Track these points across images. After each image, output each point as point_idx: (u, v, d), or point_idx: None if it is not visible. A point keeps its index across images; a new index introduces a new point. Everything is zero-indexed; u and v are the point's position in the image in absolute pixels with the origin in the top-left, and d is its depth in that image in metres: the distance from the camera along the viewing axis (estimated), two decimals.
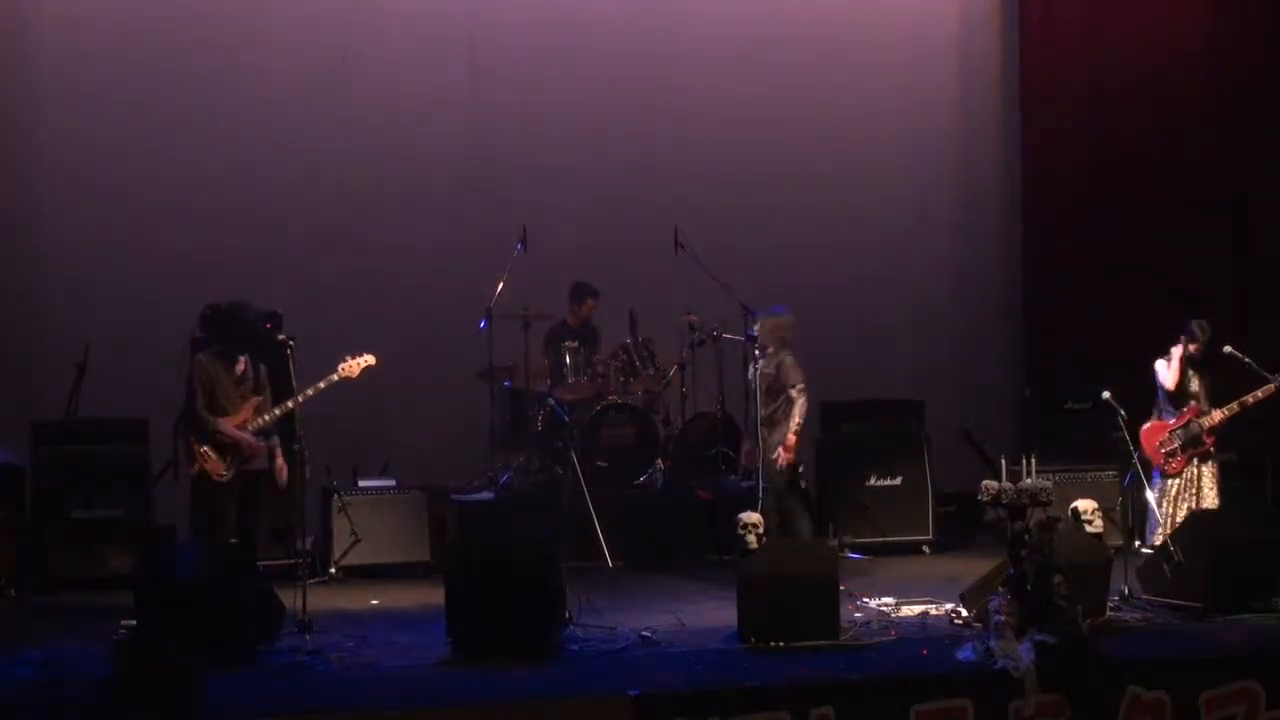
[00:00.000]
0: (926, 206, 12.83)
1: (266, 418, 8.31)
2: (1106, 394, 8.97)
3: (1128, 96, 12.60)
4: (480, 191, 11.79)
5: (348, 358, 8.45)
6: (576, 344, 10.76)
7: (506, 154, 11.87)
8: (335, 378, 8.37)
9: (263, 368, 8.42)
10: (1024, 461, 7.30)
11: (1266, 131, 12.33)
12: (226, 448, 8.20)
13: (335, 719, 6.25)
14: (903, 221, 12.72)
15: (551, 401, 10.47)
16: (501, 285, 10.38)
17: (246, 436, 8.22)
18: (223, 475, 8.20)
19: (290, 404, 8.24)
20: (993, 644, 6.71)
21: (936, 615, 7.91)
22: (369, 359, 8.46)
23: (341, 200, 11.64)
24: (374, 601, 8.96)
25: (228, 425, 8.19)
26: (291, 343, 8.20)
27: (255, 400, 8.32)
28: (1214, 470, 9.48)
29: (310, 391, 8.26)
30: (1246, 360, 9.37)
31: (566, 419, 10.30)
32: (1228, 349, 9.39)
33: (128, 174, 11.28)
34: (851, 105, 12.60)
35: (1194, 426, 9.43)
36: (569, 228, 11.59)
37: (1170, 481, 9.47)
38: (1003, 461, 7.44)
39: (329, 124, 11.64)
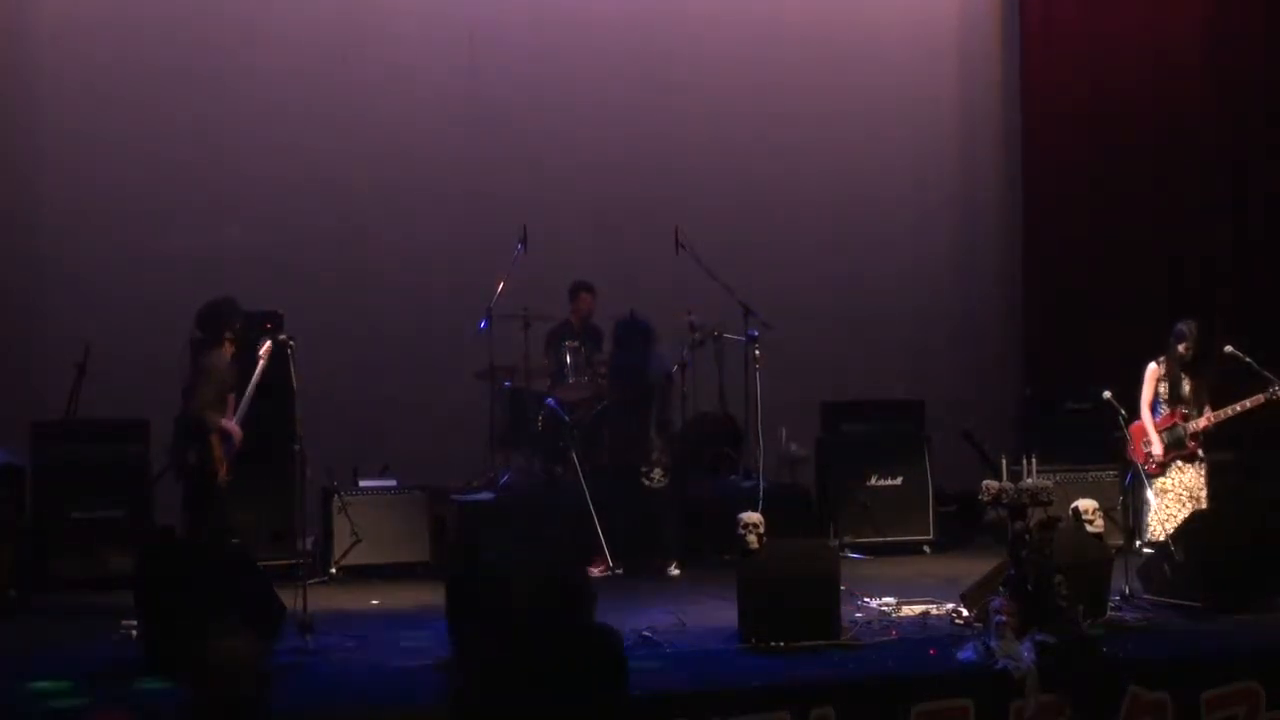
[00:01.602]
0: (926, 206, 12.84)
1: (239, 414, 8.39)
2: (1107, 394, 8.97)
3: (1128, 96, 12.60)
4: (480, 191, 11.80)
5: (260, 345, 8.41)
6: (577, 344, 10.75)
7: (506, 154, 11.87)
8: (262, 364, 8.36)
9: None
10: (1024, 461, 7.29)
11: (1266, 131, 12.33)
12: (231, 449, 8.24)
13: (335, 719, 6.25)
14: (903, 221, 12.73)
15: (552, 402, 10.46)
16: (501, 285, 10.38)
17: (234, 429, 8.27)
18: (227, 478, 8.25)
19: (248, 395, 8.30)
20: (993, 644, 6.70)
21: (937, 615, 7.90)
22: (267, 342, 8.40)
23: (341, 200, 11.64)
24: (374, 601, 8.95)
25: (230, 424, 8.25)
26: (292, 343, 8.21)
27: (232, 397, 8.38)
28: (1201, 472, 9.45)
29: (255, 382, 8.27)
30: (1247, 360, 9.35)
31: (567, 419, 10.30)
32: (1229, 349, 9.38)
33: (128, 174, 11.28)
34: (851, 105, 12.61)
35: (1178, 429, 9.42)
36: (569, 227, 11.60)
37: (1157, 481, 9.44)
38: (1003, 461, 7.43)
39: (329, 124, 11.65)
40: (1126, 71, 12.65)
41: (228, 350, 8.40)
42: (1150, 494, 9.36)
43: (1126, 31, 12.68)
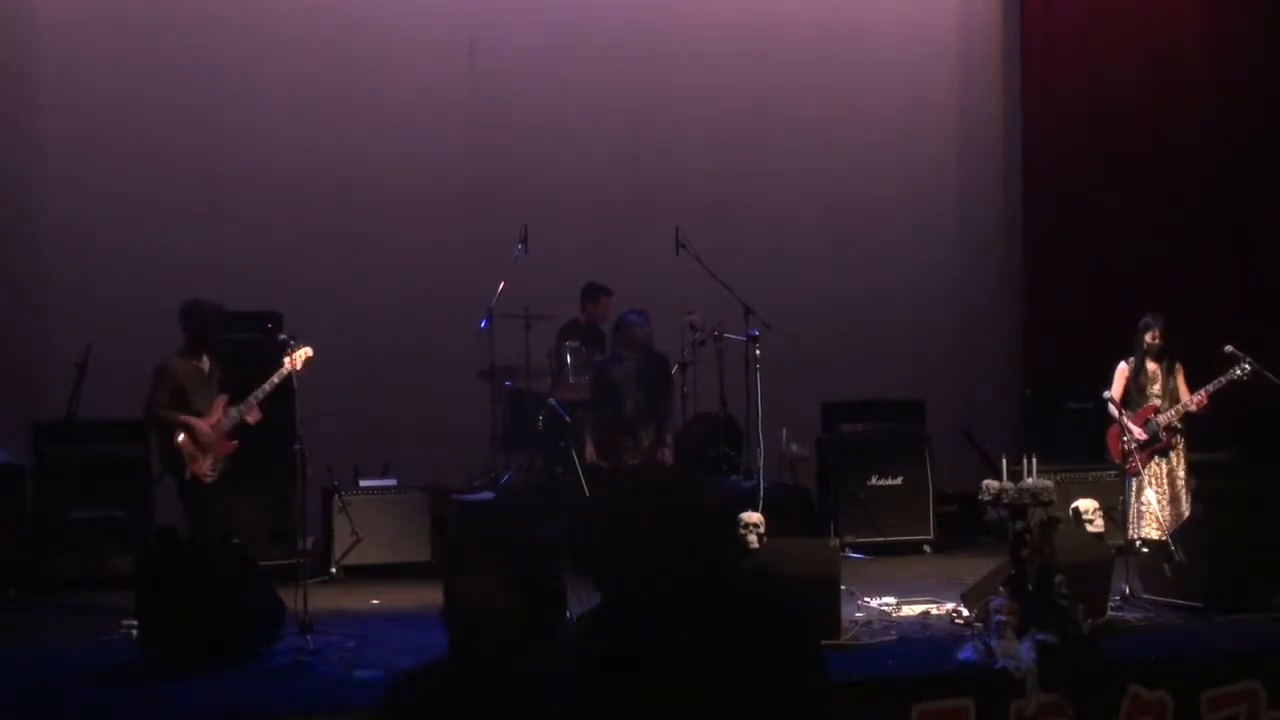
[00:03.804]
0: (927, 207, 12.84)
1: (234, 415, 8.32)
2: (1107, 394, 8.97)
3: (1128, 97, 12.60)
4: (481, 191, 11.80)
5: (291, 351, 8.32)
6: (578, 344, 10.75)
7: (507, 154, 11.88)
8: (285, 371, 8.26)
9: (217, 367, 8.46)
10: (1025, 461, 7.28)
11: (1266, 131, 12.32)
12: (206, 447, 8.21)
13: (335, 719, 6.25)
14: (903, 221, 12.73)
15: (553, 402, 10.46)
16: (502, 285, 10.38)
17: (204, 426, 8.22)
18: (209, 475, 8.21)
19: (252, 400, 8.26)
20: (994, 644, 6.70)
21: (938, 615, 7.91)
22: (307, 350, 8.35)
23: (342, 200, 11.64)
24: (374, 601, 8.96)
25: (196, 421, 8.20)
26: (292, 343, 8.21)
27: (223, 399, 8.34)
28: (1175, 466, 9.43)
29: (267, 387, 8.24)
30: (1247, 360, 9.34)
31: (568, 419, 10.30)
32: (1229, 349, 9.37)
33: (127, 174, 11.27)
34: (852, 105, 12.62)
35: (1152, 424, 9.41)
36: (570, 228, 11.60)
37: (1137, 480, 9.41)
38: (1003, 461, 7.43)
39: (330, 124, 11.65)
40: (1127, 72, 12.65)
41: (186, 354, 8.36)
42: (1147, 492, 9.34)
43: (1127, 31, 12.67)
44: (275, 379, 8.25)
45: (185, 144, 11.35)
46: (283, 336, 8.35)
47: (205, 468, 8.22)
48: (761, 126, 12.38)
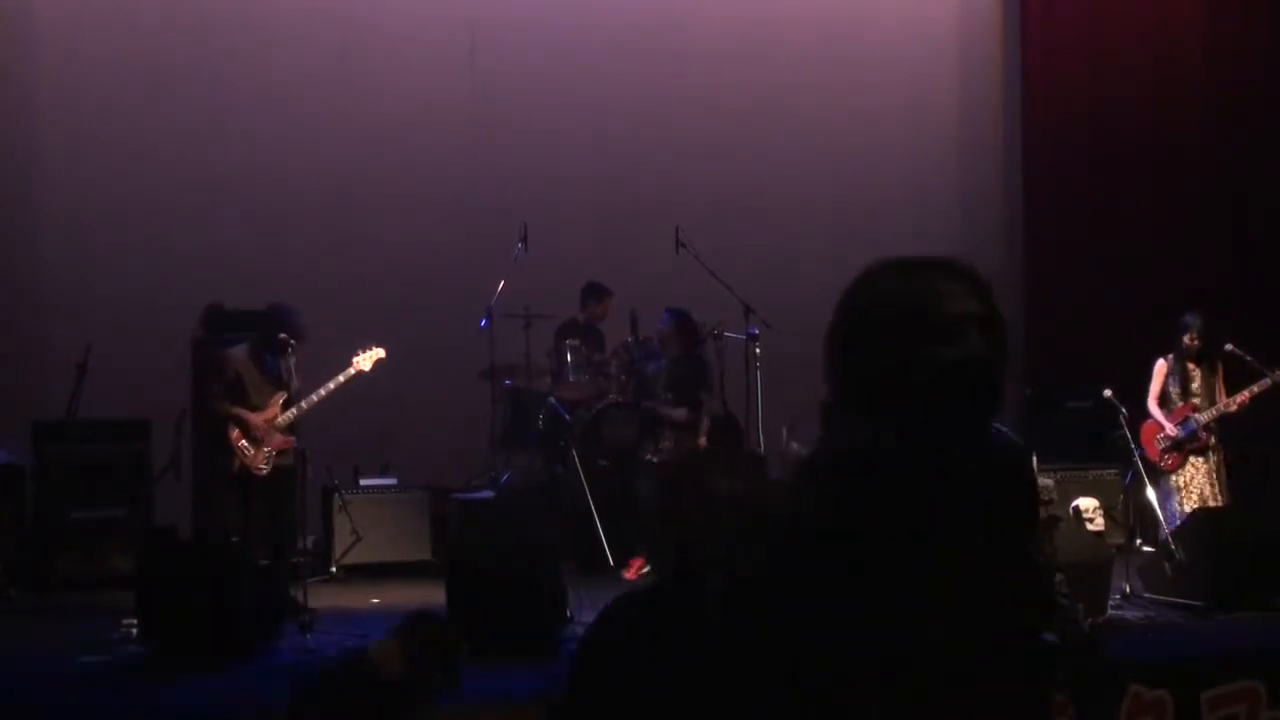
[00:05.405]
0: (927, 206, 12.82)
1: (293, 412, 8.36)
2: (1107, 393, 8.97)
3: (1128, 96, 12.59)
4: (481, 190, 11.79)
5: (360, 351, 8.49)
6: (578, 343, 10.74)
7: (507, 154, 11.87)
8: (352, 371, 8.42)
9: (293, 364, 8.47)
10: None
11: (1266, 131, 12.33)
12: (260, 440, 8.25)
13: None
14: (903, 221, 12.69)
15: (553, 401, 10.46)
16: (502, 284, 10.37)
17: (257, 421, 8.26)
18: (261, 469, 8.27)
19: (314, 398, 8.31)
20: None
21: None
22: (379, 352, 8.53)
23: (342, 199, 11.64)
24: (375, 600, 8.95)
25: (248, 414, 8.24)
26: (293, 342, 8.24)
27: (282, 395, 8.38)
28: (1214, 466, 9.46)
29: (331, 386, 8.31)
30: (1249, 359, 9.36)
31: (568, 418, 10.29)
32: (1229, 347, 9.38)
33: (127, 174, 11.27)
34: (852, 106, 12.61)
35: (1190, 423, 9.42)
36: (570, 227, 11.59)
37: (1173, 478, 9.44)
38: None
39: (330, 123, 11.65)
40: (1127, 72, 12.64)
41: (251, 350, 8.41)
42: (1151, 494, 9.34)
43: (1127, 31, 12.67)
44: (341, 378, 8.33)
45: (185, 144, 11.35)
46: (282, 336, 8.37)
47: (258, 461, 8.27)
48: (761, 126, 12.37)
